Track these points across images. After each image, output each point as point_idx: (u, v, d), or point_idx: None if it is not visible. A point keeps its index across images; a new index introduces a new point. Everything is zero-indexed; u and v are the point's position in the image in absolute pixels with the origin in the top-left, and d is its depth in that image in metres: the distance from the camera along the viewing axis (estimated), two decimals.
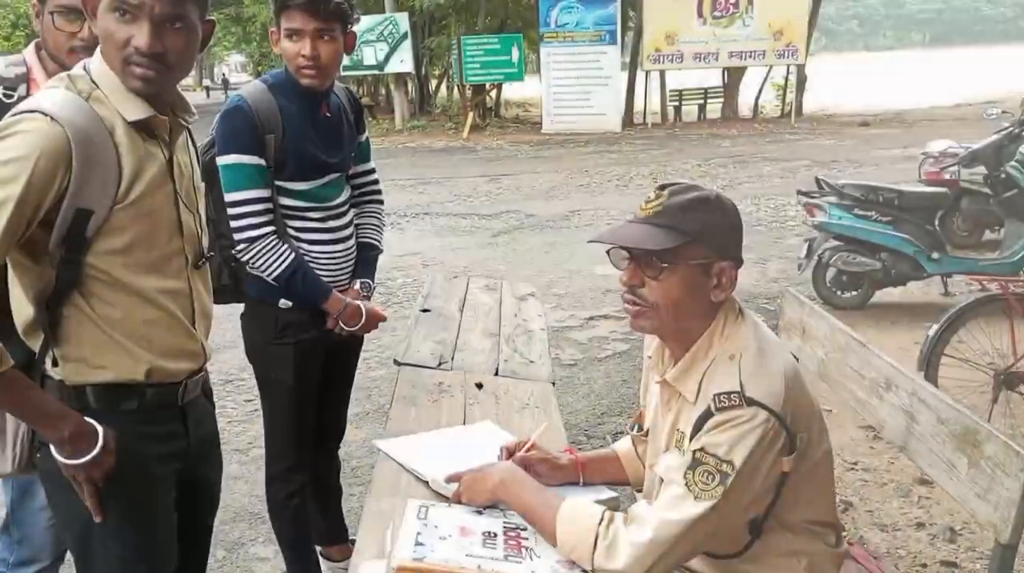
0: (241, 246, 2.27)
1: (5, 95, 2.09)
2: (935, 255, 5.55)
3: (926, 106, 22.62)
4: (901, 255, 5.61)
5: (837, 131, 17.84)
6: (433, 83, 28.18)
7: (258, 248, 2.26)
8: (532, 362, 2.63)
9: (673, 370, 1.55)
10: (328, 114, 2.39)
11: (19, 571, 2.15)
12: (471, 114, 20.37)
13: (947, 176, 6.96)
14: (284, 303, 2.38)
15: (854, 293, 5.88)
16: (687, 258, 1.48)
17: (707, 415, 1.43)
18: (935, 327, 3.92)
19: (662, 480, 1.53)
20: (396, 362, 2.60)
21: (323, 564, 2.82)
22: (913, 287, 5.95)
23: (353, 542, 2.92)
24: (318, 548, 2.81)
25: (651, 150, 15.69)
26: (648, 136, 18.30)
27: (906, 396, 1.82)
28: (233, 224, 2.26)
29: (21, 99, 1.93)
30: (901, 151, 13.76)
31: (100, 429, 1.53)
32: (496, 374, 2.51)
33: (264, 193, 2.27)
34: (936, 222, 5.73)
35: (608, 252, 1.57)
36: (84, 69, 1.53)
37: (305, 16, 2.19)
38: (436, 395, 2.30)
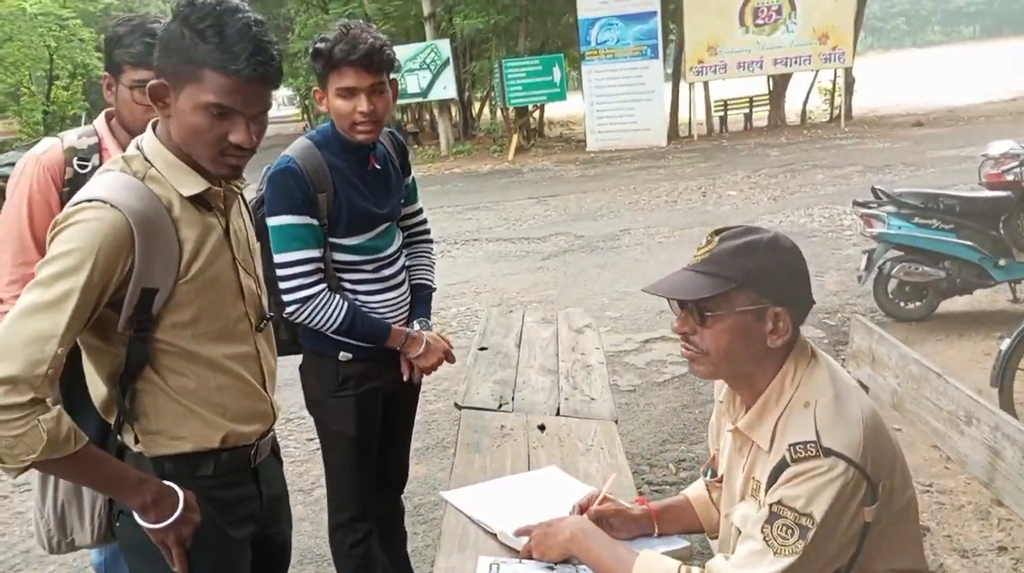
0: (293, 307, 2.27)
1: (79, 166, 2.15)
2: (1002, 262, 5.39)
3: (980, 102, 22.02)
4: (966, 263, 5.45)
5: (889, 133, 17.46)
6: (476, 107, 28.41)
7: (312, 306, 2.26)
8: (593, 399, 2.60)
9: (745, 418, 1.51)
10: (377, 166, 2.40)
11: None
12: (515, 136, 20.44)
13: (1010, 178, 6.72)
14: (344, 355, 2.39)
15: (918, 304, 5.72)
16: (734, 305, 1.45)
17: (783, 466, 1.39)
18: (1008, 340, 3.78)
19: (738, 530, 1.49)
20: (457, 406, 2.59)
21: None
22: (980, 295, 5.78)
23: None
24: None
25: (698, 163, 15.54)
26: (694, 149, 18.13)
27: (988, 430, 1.75)
28: (283, 286, 2.26)
29: (95, 169, 1.98)
30: (957, 151, 13.40)
31: (179, 490, 1.55)
32: (558, 414, 2.49)
33: (314, 253, 2.27)
34: (1000, 227, 5.55)
35: (669, 300, 1.55)
36: (137, 148, 1.56)
37: (360, 73, 2.19)
38: (499, 439, 2.29)
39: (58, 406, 1.39)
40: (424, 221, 2.71)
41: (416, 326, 2.53)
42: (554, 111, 26.11)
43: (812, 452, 1.36)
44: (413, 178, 2.62)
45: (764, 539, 1.36)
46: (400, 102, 24.20)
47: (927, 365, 2.02)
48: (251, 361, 1.68)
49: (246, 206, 1.82)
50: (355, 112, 2.22)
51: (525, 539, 1.64)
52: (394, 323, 2.46)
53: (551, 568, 1.56)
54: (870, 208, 5.75)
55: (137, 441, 1.57)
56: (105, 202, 1.43)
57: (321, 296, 2.27)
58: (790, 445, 1.38)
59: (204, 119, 1.47)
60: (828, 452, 1.36)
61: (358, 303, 2.37)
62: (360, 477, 2.53)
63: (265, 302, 1.78)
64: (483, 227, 10.81)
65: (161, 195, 1.51)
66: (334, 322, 2.28)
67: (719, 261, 1.46)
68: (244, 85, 1.45)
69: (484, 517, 1.79)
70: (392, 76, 2.31)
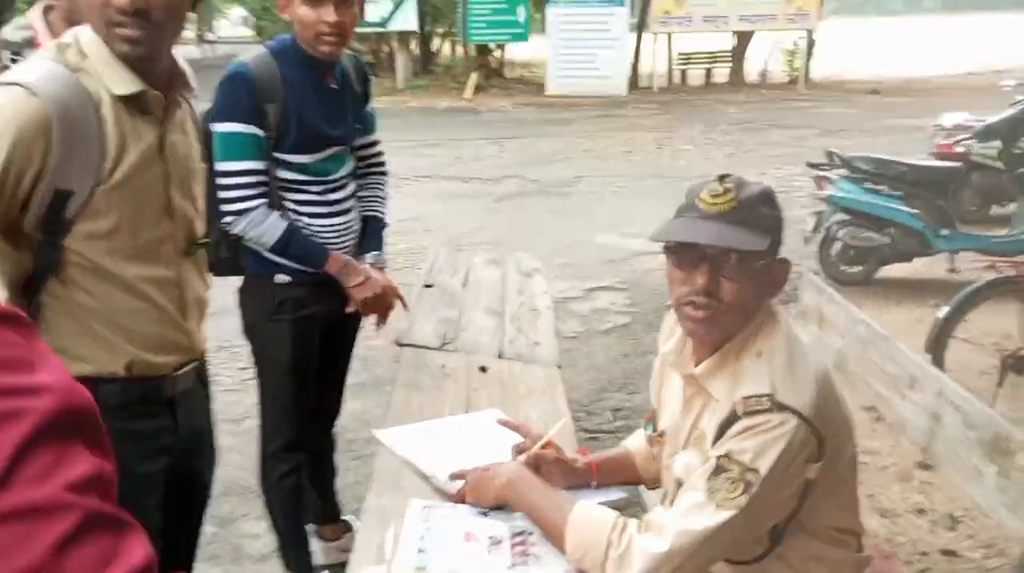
0: (230, 219, 2.18)
1: (12, 60, 2.01)
2: (944, 232, 5.47)
3: (937, 74, 22.29)
4: (910, 230, 5.53)
5: (846, 98, 17.59)
6: (437, 42, 27.75)
7: (248, 219, 2.16)
8: (538, 344, 2.55)
9: (703, 366, 1.46)
10: (334, 85, 2.29)
11: None
12: (475, 75, 20.06)
13: (959, 150, 6.83)
14: (281, 278, 2.30)
15: (859, 268, 5.80)
16: (763, 256, 1.39)
17: (733, 418, 1.35)
18: (946, 309, 3.84)
19: (680, 482, 1.46)
20: (399, 343, 2.52)
21: (315, 543, 2.77)
22: (919, 263, 5.87)
23: (345, 522, 2.90)
24: (311, 526, 2.76)
25: (656, 115, 15.47)
26: (654, 100, 18.03)
27: (932, 396, 1.75)
28: (222, 195, 2.16)
29: None
30: (912, 121, 13.52)
31: None
32: (500, 357, 2.43)
33: (257, 165, 2.17)
34: (947, 197, 5.64)
35: (669, 250, 1.43)
36: (74, 37, 1.42)
37: None
38: (439, 379, 2.23)
39: None
40: (380, 153, 2.61)
41: (369, 258, 2.45)
42: (516, 52, 25.64)
43: (765, 405, 1.33)
44: (373, 107, 2.51)
45: (708, 491, 1.33)
46: (358, 30, 23.38)
47: (875, 327, 2.01)
48: (170, 286, 1.56)
49: (194, 121, 1.67)
50: (320, 22, 2.10)
51: (460, 483, 1.59)
52: (338, 249, 2.36)
53: (484, 513, 1.51)
54: (823, 170, 5.78)
55: None
56: (24, 87, 1.30)
57: (260, 211, 2.17)
58: (743, 397, 1.35)
59: None
60: (782, 407, 1.32)
61: (300, 225, 2.27)
62: (294, 407, 2.46)
63: (200, 226, 1.65)
64: (437, 165, 10.62)
65: (91, 91, 1.37)
66: (269, 239, 2.18)
67: (751, 211, 1.37)
68: None
69: (418, 459, 1.73)
70: None
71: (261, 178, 2.19)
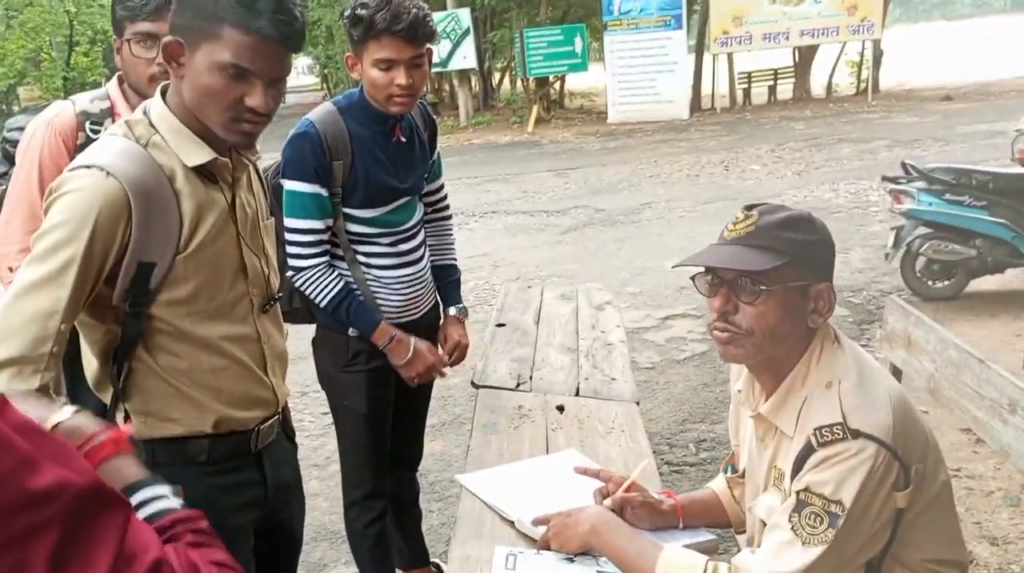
0: (290, 273, 2.23)
1: (92, 131, 2.08)
2: None
3: (1012, 76, 21.49)
4: (998, 241, 5.31)
5: (917, 107, 17.08)
6: (496, 77, 28.12)
7: (306, 277, 2.22)
8: (614, 379, 2.52)
9: (768, 403, 1.43)
10: (403, 138, 2.31)
11: None
12: (535, 107, 20.21)
13: None
14: (354, 330, 2.33)
15: (947, 283, 5.58)
16: (785, 280, 1.36)
17: (808, 451, 1.31)
18: None
19: (763, 523, 1.42)
20: (474, 385, 2.52)
21: None
22: (1011, 275, 5.62)
23: (435, 565, 2.90)
24: (398, 572, 2.76)
25: (721, 136, 15.29)
26: (717, 122, 17.84)
27: None
28: (288, 250, 2.22)
29: None
30: (988, 126, 13.09)
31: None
32: (577, 394, 2.41)
33: (319, 224, 2.21)
34: None
35: (694, 278, 1.46)
36: (144, 113, 1.47)
37: (402, 45, 2.07)
38: (516, 420, 2.21)
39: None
40: (445, 196, 2.64)
41: (453, 311, 2.50)
42: (575, 82, 25.76)
43: (839, 434, 1.28)
44: (439, 153, 2.53)
45: (792, 528, 1.29)
46: None
47: (968, 350, 1.92)
48: (251, 343, 1.59)
49: (260, 179, 1.73)
50: (392, 84, 2.11)
51: (543, 528, 1.57)
52: (410, 301, 2.39)
53: (570, 560, 1.49)
54: (899, 183, 5.60)
55: (128, 419, 1.50)
56: (101, 168, 1.35)
57: (317, 270, 2.21)
58: (815, 429, 1.31)
59: (220, 80, 1.37)
60: (856, 433, 1.28)
61: (371, 277, 2.30)
62: (373, 455, 2.47)
63: (275, 282, 1.70)
64: (502, 199, 10.70)
65: (164, 164, 1.43)
66: (325, 297, 2.22)
67: (767, 234, 1.37)
68: (265, 45, 1.35)
69: (501, 503, 1.72)
70: (428, 46, 2.20)
71: (321, 237, 2.23)
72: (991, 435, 1.86)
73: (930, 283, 5.60)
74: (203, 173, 1.48)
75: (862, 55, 20.66)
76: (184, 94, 1.43)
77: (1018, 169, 5.95)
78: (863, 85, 20.29)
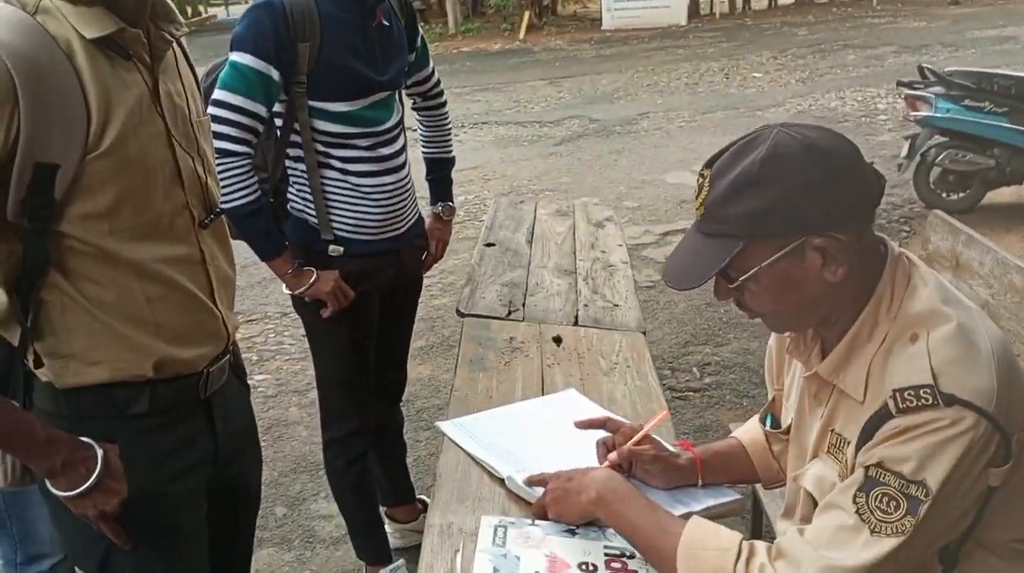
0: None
1: None
2: None
3: None
4: (1017, 150, 5.05)
5: (924, 12, 16.45)
6: None
7: (227, 166, 1.86)
8: (617, 306, 2.26)
9: (828, 360, 1.15)
10: (385, 22, 2.00)
11: (30, 569, 1.90)
12: (527, 13, 19.44)
13: None
14: (334, 249, 2.05)
15: (962, 194, 5.34)
16: (758, 258, 1.09)
17: (884, 417, 1.04)
18: None
19: (810, 496, 1.16)
20: (459, 313, 2.25)
21: (388, 525, 2.59)
22: None
23: (421, 501, 2.70)
24: (382, 508, 2.56)
25: (720, 43, 14.69)
26: (716, 28, 17.17)
27: None
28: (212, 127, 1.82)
29: None
30: (998, 32, 12.62)
31: (98, 449, 1.22)
32: (576, 324, 2.15)
33: (261, 110, 1.88)
34: None
35: None
36: None
37: None
38: (507, 355, 1.95)
39: None
40: (438, 83, 2.37)
41: (439, 208, 2.36)
42: None
43: (927, 400, 1.01)
44: (423, 37, 2.23)
45: (857, 511, 1.03)
46: None
47: None
48: (194, 266, 1.31)
49: (189, 63, 1.40)
50: None
51: (540, 490, 1.32)
52: (391, 215, 2.10)
53: (571, 532, 1.24)
54: (916, 89, 5.27)
55: (40, 363, 1.22)
56: None
57: (244, 162, 1.88)
58: (895, 390, 1.03)
59: None
60: (951, 400, 1.00)
61: (348, 186, 2.02)
62: (355, 389, 2.24)
63: (216, 190, 1.39)
64: (492, 109, 10.24)
65: (58, 35, 1.11)
66: (238, 199, 1.89)
67: (714, 214, 1.11)
68: None
69: (489, 457, 1.47)
70: None
71: (257, 126, 1.89)
72: None
73: (944, 195, 5.35)
74: (112, 48, 1.16)
75: None
76: None
77: None
78: None
